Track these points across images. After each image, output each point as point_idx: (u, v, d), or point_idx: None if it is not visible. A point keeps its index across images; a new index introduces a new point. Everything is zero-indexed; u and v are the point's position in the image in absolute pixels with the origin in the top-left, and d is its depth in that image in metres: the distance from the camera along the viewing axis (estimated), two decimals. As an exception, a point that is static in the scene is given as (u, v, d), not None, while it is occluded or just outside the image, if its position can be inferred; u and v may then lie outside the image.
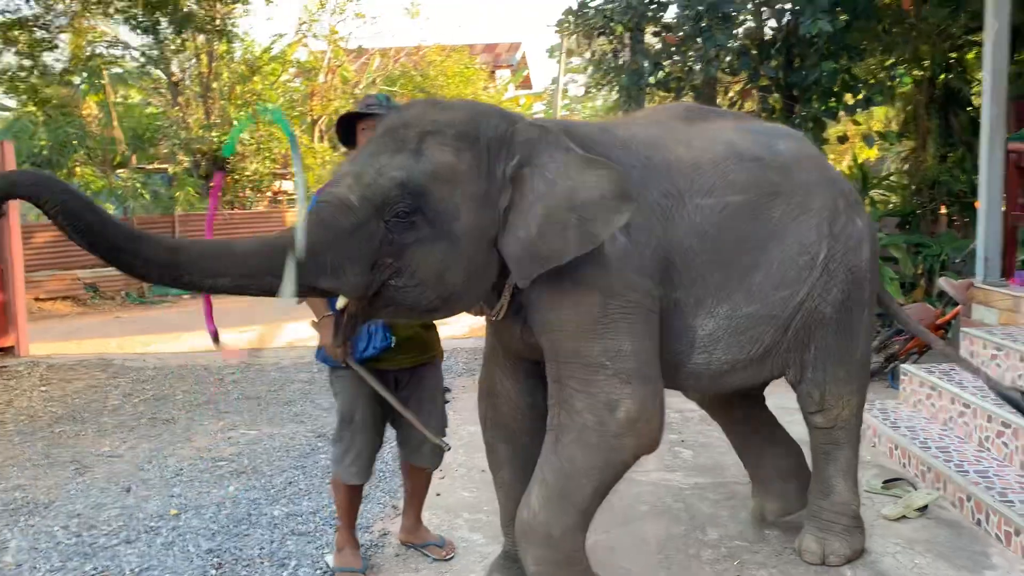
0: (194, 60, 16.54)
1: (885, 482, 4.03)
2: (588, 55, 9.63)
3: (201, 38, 15.96)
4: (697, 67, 7.16)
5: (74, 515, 4.02)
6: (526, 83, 28.40)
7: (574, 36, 9.26)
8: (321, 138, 19.71)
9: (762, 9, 7.26)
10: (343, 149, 4.42)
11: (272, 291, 2.30)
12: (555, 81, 22.20)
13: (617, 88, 7.96)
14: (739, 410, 3.67)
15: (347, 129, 3.27)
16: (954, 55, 8.20)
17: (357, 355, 3.12)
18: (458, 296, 2.53)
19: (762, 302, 2.90)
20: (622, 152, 2.74)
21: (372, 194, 2.36)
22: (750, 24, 7.88)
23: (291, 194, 19.47)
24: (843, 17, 6.99)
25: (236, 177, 17.25)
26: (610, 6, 8.25)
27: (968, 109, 8.32)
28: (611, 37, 8.38)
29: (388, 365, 3.21)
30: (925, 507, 3.74)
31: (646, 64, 7.90)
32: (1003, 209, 5.68)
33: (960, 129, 8.28)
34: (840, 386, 3.17)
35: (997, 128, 5.48)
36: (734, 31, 7.12)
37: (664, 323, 2.76)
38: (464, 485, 4.28)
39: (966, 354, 5.01)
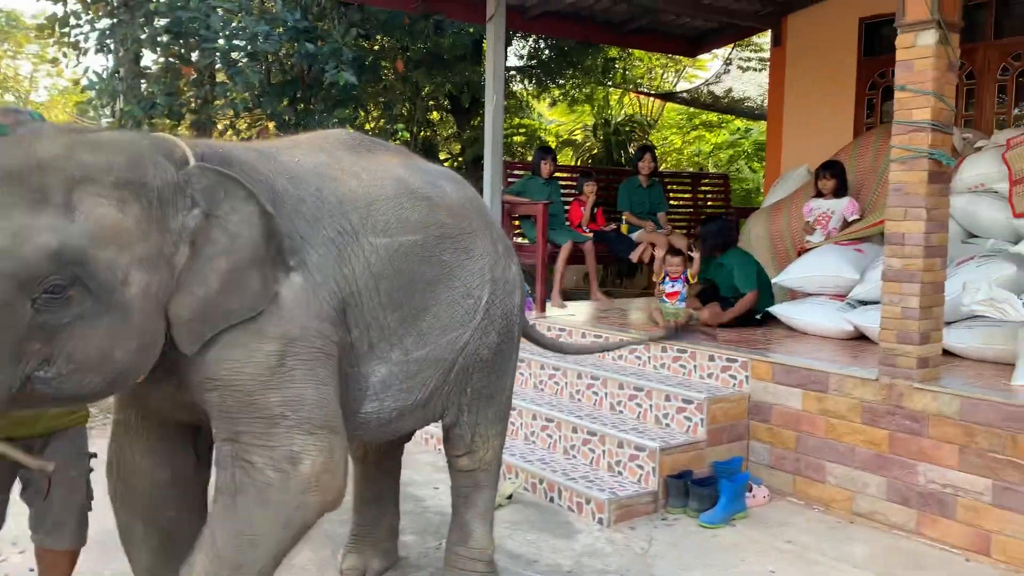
0: None
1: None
2: (81, 71, 8.75)
3: None
4: (219, 101, 7.16)
5: None
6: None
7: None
8: None
9: (287, 53, 7.57)
10: None
11: None
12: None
13: (122, 112, 7.46)
14: (374, 465, 3.57)
15: None
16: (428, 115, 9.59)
17: None
18: (126, 374, 2.15)
19: (432, 345, 2.86)
20: (290, 183, 2.53)
21: (13, 268, 1.88)
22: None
23: None
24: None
25: None
26: (105, 23, 7.74)
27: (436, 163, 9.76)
28: (108, 55, 7.84)
29: (16, 432, 2.58)
30: (511, 495, 4.52)
31: (149, 90, 7.60)
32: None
33: (430, 179, 9.65)
34: (489, 427, 3.26)
35: (496, 183, 6.71)
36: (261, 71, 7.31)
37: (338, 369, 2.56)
38: (117, 556, 3.64)
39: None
